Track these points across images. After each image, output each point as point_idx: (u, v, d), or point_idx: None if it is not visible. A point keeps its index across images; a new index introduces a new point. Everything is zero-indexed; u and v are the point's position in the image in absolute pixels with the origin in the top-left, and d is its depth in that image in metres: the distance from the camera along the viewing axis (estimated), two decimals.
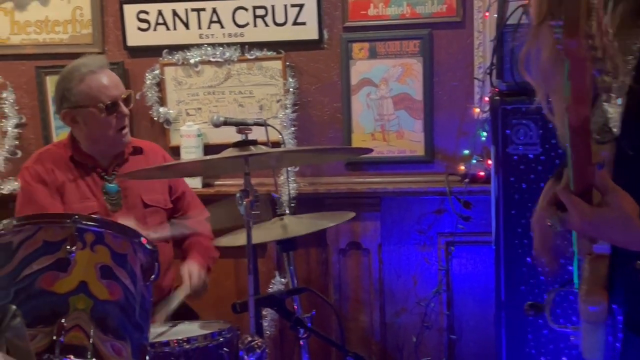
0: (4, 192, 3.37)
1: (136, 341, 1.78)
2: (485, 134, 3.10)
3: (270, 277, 3.33)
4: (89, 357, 1.66)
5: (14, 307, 1.33)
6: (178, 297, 2.55)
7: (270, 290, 3.27)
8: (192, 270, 2.63)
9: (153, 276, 1.88)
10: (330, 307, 2.60)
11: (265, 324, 3.26)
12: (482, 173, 3.11)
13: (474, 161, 3.14)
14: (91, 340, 1.68)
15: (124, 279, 1.79)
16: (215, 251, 2.81)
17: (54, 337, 1.63)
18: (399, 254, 3.37)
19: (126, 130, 2.62)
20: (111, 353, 1.70)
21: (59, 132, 3.43)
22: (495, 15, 2.79)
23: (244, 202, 1.91)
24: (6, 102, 3.44)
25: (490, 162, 2.86)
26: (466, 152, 3.22)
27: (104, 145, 2.62)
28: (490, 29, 3.05)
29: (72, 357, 1.63)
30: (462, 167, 3.19)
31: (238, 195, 1.94)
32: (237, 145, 2.02)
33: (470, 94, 3.23)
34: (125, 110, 2.57)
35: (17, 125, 3.46)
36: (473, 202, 3.13)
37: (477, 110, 3.15)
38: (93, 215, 1.91)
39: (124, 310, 1.77)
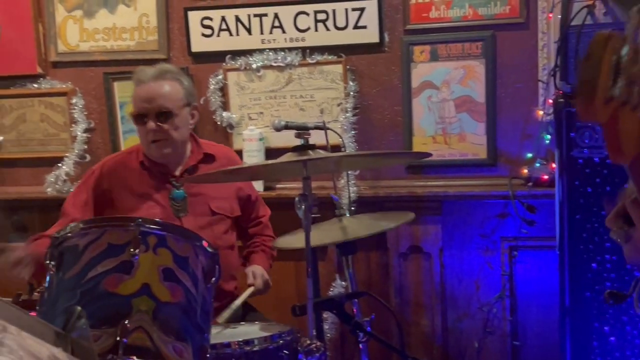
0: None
1: (197, 342, 1.81)
2: (549, 136, 3.04)
3: (331, 280, 3.34)
4: (151, 357, 1.69)
5: (79, 308, 1.37)
6: (242, 297, 2.59)
7: (330, 293, 3.28)
8: (256, 272, 2.70)
9: (214, 279, 1.90)
10: (389, 311, 2.58)
11: (326, 326, 3.26)
12: (545, 176, 3.05)
13: (538, 164, 3.09)
14: (153, 341, 1.72)
15: (185, 282, 1.82)
16: (274, 250, 2.89)
17: (118, 338, 1.67)
18: (461, 258, 3.33)
19: (161, 143, 2.60)
20: (172, 354, 1.73)
21: (127, 137, 3.52)
22: (559, 16, 2.74)
23: (303, 206, 1.92)
24: (75, 107, 3.55)
25: (554, 165, 2.80)
26: (529, 155, 3.17)
27: (148, 153, 2.67)
28: (555, 30, 3.00)
29: (134, 357, 1.66)
30: (525, 171, 3.13)
31: (297, 199, 1.95)
32: (295, 149, 2.04)
33: (534, 96, 3.18)
34: (150, 125, 2.56)
35: (86, 130, 3.57)
36: (537, 206, 3.07)
37: (541, 112, 3.09)
38: (156, 219, 1.94)
39: (185, 312, 1.80)
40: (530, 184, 3.08)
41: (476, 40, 3.24)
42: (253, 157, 3.37)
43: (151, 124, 2.56)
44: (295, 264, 3.44)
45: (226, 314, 2.49)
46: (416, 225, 3.26)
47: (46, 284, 1.86)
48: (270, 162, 2.10)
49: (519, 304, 3.26)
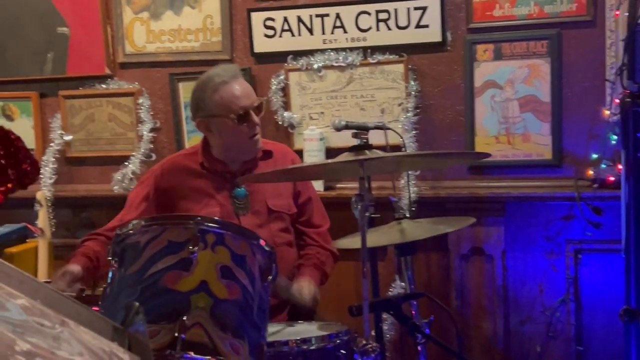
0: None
1: (254, 340, 1.83)
2: (615, 137, 2.96)
3: (390, 280, 3.32)
4: (208, 354, 1.72)
5: (137, 303, 1.40)
6: (291, 294, 2.59)
7: (389, 294, 3.27)
8: (302, 287, 2.60)
9: (270, 277, 1.92)
10: (448, 313, 2.56)
11: (385, 327, 3.25)
12: (612, 178, 2.97)
13: (604, 166, 3.01)
14: (211, 338, 1.74)
15: (242, 279, 1.84)
16: (332, 261, 2.82)
17: (176, 334, 1.70)
18: (524, 261, 3.27)
19: (258, 136, 2.67)
20: (229, 351, 1.75)
21: (191, 136, 3.59)
22: (627, 14, 2.66)
23: (359, 206, 1.92)
24: (142, 107, 3.63)
25: (620, 166, 2.72)
26: (595, 156, 3.09)
27: (236, 152, 2.69)
28: (622, 28, 2.91)
29: (192, 353, 1.70)
30: (591, 172, 3.05)
31: (353, 199, 1.95)
32: (352, 149, 2.04)
33: (601, 96, 3.10)
34: (256, 119, 2.62)
35: (152, 130, 3.64)
36: (603, 208, 2.99)
37: (608, 112, 3.01)
38: (214, 217, 1.97)
39: (242, 309, 1.83)
40: (596, 185, 3.01)
41: (541, 39, 3.17)
42: (313, 157, 3.39)
43: (256, 119, 2.62)
44: (355, 264, 3.43)
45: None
46: (478, 227, 3.22)
47: (109, 280, 1.91)
48: (326, 161, 2.09)
49: (584, 308, 3.18)
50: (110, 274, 1.91)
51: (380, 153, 2.10)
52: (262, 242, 1.95)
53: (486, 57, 3.25)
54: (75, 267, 2.45)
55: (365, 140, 2.20)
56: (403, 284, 3.27)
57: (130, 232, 1.91)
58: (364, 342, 1.91)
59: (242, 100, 2.61)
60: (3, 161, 1.08)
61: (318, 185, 3.37)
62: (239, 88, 2.64)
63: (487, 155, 2.43)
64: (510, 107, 3.24)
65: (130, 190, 3.54)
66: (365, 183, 1.98)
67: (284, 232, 2.74)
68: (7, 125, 3.73)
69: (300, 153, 3.42)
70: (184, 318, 1.73)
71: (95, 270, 2.53)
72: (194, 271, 1.80)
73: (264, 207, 2.71)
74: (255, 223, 2.61)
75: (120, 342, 1.32)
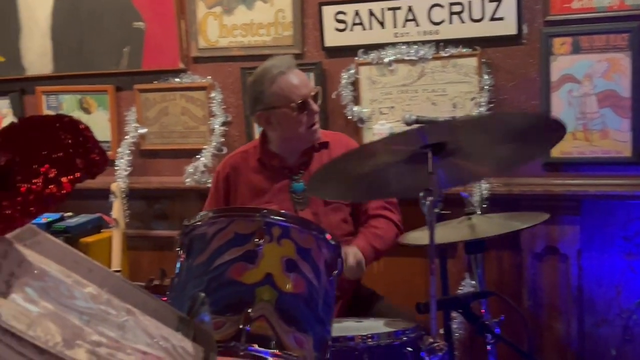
0: (210, 185, 3.60)
1: (318, 335, 1.82)
2: None
3: (460, 278, 3.26)
4: (272, 347, 1.72)
5: (202, 294, 1.41)
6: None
7: (459, 292, 3.21)
8: (348, 252, 2.53)
9: (336, 271, 1.91)
10: (519, 313, 2.49)
11: (454, 325, 3.20)
12: None
13: None
14: (275, 331, 1.74)
15: (307, 273, 1.84)
16: (392, 235, 2.74)
17: (241, 326, 1.71)
18: (601, 261, 3.16)
19: (316, 126, 2.68)
20: (293, 345, 1.75)
21: (261, 130, 3.60)
22: None
23: (427, 202, 1.89)
24: (214, 101, 3.67)
25: None
26: None
27: (295, 143, 2.70)
28: None
29: (256, 346, 1.70)
30: None
31: (421, 194, 1.92)
32: None
33: None
34: (315, 107, 2.63)
35: (224, 124, 3.68)
36: None
37: None
38: (280, 210, 1.98)
39: (307, 303, 1.82)
40: None
41: (622, 32, 3.05)
42: None
43: (315, 107, 2.63)
44: (424, 260, 3.38)
45: None
46: (552, 225, 3.12)
47: (176, 271, 1.94)
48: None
49: None
50: (178, 265, 1.94)
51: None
52: (328, 236, 1.94)
53: (563, 50, 3.15)
54: None
55: None
56: (473, 282, 3.21)
57: (198, 223, 1.93)
58: (431, 340, 1.87)
59: (301, 89, 2.62)
60: (71, 150, 1.09)
61: None
62: (296, 77, 2.65)
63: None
64: (588, 102, 3.13)
65: (201, 183, 3.62)
66: (434, 178, 1.93)
67: (343, 224, 2.73)
68: (85, 118, 3.84)
69: None
70: (249, 310, 1.73)
71: None
72: (260, 264, 1.80)
73: (321, 200, 2.69)
74: (314, 215, 2.61)
75: (185, 332, 1.33)
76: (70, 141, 1.10)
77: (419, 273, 3.39)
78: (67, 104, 3.93)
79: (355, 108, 3.44)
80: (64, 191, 1.08)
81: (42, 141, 1.09)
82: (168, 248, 3.82)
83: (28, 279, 1.07)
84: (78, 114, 3.89)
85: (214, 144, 3.67)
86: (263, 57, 3.53)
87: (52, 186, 1.07)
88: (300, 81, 2.64)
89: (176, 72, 3.72)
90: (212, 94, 3.67)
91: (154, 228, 3.87)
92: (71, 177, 1.08)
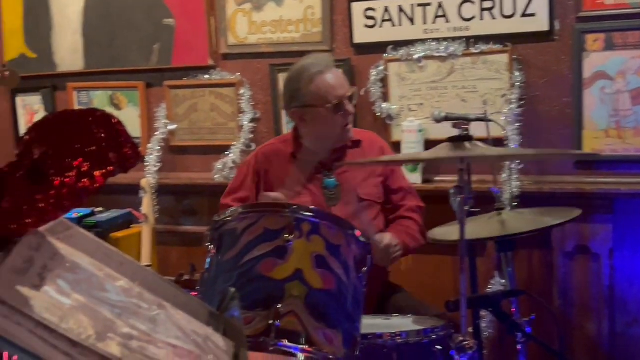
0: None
1: (347, 331, 1.82)
2: None
3: (489, 277, 3.23)
4: (302, 342, 1.72)
5: (233, 289, 1.41)
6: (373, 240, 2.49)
7: (488, 290, 3.18)
8: (384, 236, 2.56)
9: (365, 268, 1.90)
10: (550, 312, 2.46)
11: (483, 324, 3.17)
12: None
13: None
14: (304, 327, 1.74)
15: (337, 269, 1.83)
16: (420, 237, 2.74)
17: (270, 321, 1.71)
18: (633, 260, 3.10)
19: (350, 126, 2.68)
20: (323, 341, 1.75)
21: (290, 127, 3.58)
22: None
23: (457, 199, 1.87)
24: (243, 98, 3.68)
25: None
26: None
27: (327, 141, 2.70)
28: None
29: (286, 341, 1.70)
30: None
31: (451, 191, 1.90)
32: (451, 140, 1.98)
33: None
34: (351, 109, 2.63)
35: (252, 120, 3.68)
36: None
37: None
38: (310, 206, 1.97)
39: (336, 299, 1.82)
40: None
41: None
42: (412, 149, 3.34)
43: (351, 108, 2.62)
44: (452, 258, 3.36)
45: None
46: (584, 224, 3.08)
47: (206, 265, 1.94)
48: (424, 154, 2.04)
49: None
50: (208, 260, 1.94)
51: (482, 146, 2.03)
52: (357, 233, 1.93)
53: (596, 47, 3.10)
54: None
55: (465, 131, 2.13)
56: (503, 280, 3.18)
57: (228, 218, 1.93)
58: (461, 338, 1.86)
59: (338, 90, 2.61)
60: (104, 144, 1.09)
61: (416, 178, 3.32)
62: (334, 77, 2.64)
63: (595, 155, 2.23)
64: (621, 99, 3.08)
65: (230, 180, 3.62)
66: (464, 175, 1.92)
67: (374, 221, 2.72)
68: (115, 114, 3.83)
69: (398, 145, 3.38)
70: (279, 306, 1.73)
71: None
72: (289, 259, 1.80)
73: (354, 196, 2.69)
74: (346, 212, 2.60)
75: (216, 327, 1.33)
76: (103, 135, 1.11)
77: (447, 270, 3.37)
78: (98, 100, 3.96)
79: (384, 105, 3.42)
80: (97, 185, 1.08)
81: (75, 135, 1.10)
82: (196, 244, 3.83)
83: (61, 272, 1.08)
84: (108, 110, 3.92)
85: (243, 140, 3.68)
86: (292, 54, 3.57)
87: (85, 180, 1.07)
88: (338, 82, 2.63)
89: (205, 69, 3.74)
90: (241, 91, 3.68)
91: (182, 224, 3.89)
92: (104, 171, 1.08)
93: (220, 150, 3.71)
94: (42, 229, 1.12)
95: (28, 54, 4.04)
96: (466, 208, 1.88)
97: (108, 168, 1.09)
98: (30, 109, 4.10)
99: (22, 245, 1.06)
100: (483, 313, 3.13)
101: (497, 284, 3.19)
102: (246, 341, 1.26)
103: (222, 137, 3.74)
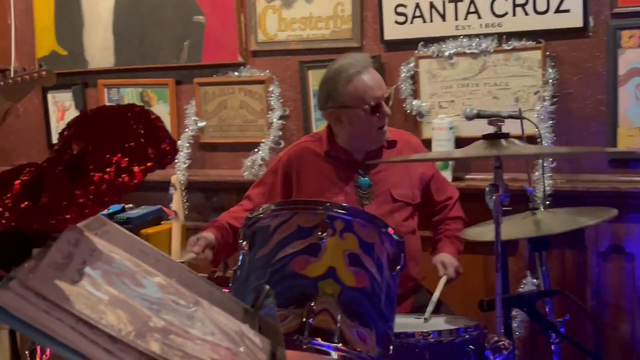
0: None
1: (381, 330, 1.80)
2: None
3: (521, 276, 3.19)
4: (335, 341, 1.71)
5: (267, 286, 1.40)
6: (438, 289, 2.52)
7: (520, 290, 3.14)
8: (445, 261, 2.62)
9: (399, 267, 1.88)
10: (586, 313, 2.42)
11: (514, 324, 3.13)
12: None
13: None
14: (338, 325, 1.73)
15: (370, 268, 1.82)
16: (462, 228, 2.79)
17: (304, 319, 1.70)
18: None
19: (386, 127, 2.66)
20: (356, 339, 1.73)
21: (319, 124, 3.59)
22: None
23: (493, 197, 1.84)
24: (272, 95, 3.67)
25: None
26: None
27: (363, 142, 2.68)
28: None
29: (319, 339, 1.69)
30: None
31: (487, 189, 1.88)
32: (486, 137, 1.96)
33: None
34: (387, 110, 2.60)
35: (281, 117, 3.68)
36: None
37: None
38: (343, 204, 1.96)
39: (369, 298, 1.80)
40: None
41: None
42: (442, 146, 3.30)
43: (387, 109, 2.61)
44: (483, 257, 3.32)
45: (430, 308, 2.41)
46: (619, 224, 3.03)
47: (239, 263, 1.93)
48: (451, 153, 2.02)
49: None
50: (240, 257, 1.94)
51: (518, 144, 2.00)
52: (390, 231, 1.91)
53: (632, 43, 3.05)
54: (209, 235, 2.52)
55: (500, 128, 2.10)
56: (535, 280, 3.14)
57: (261, 215, 1.93)
58: (496, 338, 1.83)
59: (375, 91, 2.59)
60: (142, 140, 1.09)
61: (446, 175, 3.29)
62: (372, 78, 2.61)
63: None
64: None
65: (259, 177, 3.62)
66: (500, 172, 1.89)
67: (407, 222, 2.71)
68: None
69: (428, 142, 3.35)
70: (312, 304, 1.72)
71: (227, 244, 2.58)
72: (322, 257, 1.79)
73: (388, 197, 2.68)
74: (379, 213, 2.57)
75: (251, 324, 1.33)
76: (142, 131, 1.10)
77: (476, 270, 3.34)
78: (128, 97, 3.98)
79: (415, 102, 3.39)
80: (136, 181, 1.08)
81: (114, 130, 1.09)
82: None
83: (99, 268, 1.07)
84: None
85: (272, 137, 3.67)
86: (321, 51, 3.56)
87: (124, 175, 1.07)
88: (375, 82, 2.60)
89: (235, 66, 3.74)
90: (271, 88, 3.67)
91: (211, 220, 3.89)
92: (143, 167, 1.08)
93: (250, 147, 3.70)
94: (79, 224, 1.12)
95: (59, 51, 4.08)
96: (502, 206, 1.84)
97: (147, 164, 1.09)
98: (62, 106, 4.13)
99: (61, 240, 1.06)
100: (514, 313, 3.10)
101: (529, 284, 3.15)
102: (283, 339, 1.25)
103: (252, 134, 3.74)
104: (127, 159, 1.08)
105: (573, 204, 2.97)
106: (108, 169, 1.06)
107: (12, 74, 3.14)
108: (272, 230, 1.87)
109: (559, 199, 3.06)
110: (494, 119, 2.02)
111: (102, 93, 4.02)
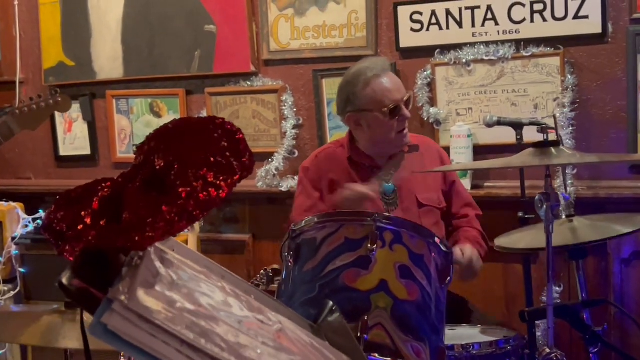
0: (283, 189, 3.57)
1: (434, 343, 1.77)
2: None
3: (543, 284, 3.16)
4: (391, 356, 1.67)
5: (330, 302, 1.36)
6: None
7: (542, 299, 3.12)
8: (464, 249, 2.53)
9: (449, 278, 1.85)
10: (633, 321, 2.39)
11: (538, 333, 3.10)
12: None
13: None
14: (393, 340, 1.69)
15: (421, 279, 1.78)
16: (485, 245, 2.71)
17: (359, 334, 1.66)
18: None
19: (406, 131, 2.63)
20: (412, 354, 1.70)
21: (333, 133, 3.56)
22: None
23: (544, 206, 1.82)
24: (285, 104, 3.63)
25: None
26: None
27: (383, 147, 2.65)
28: None
29: (376, 355, 1.65)
30: None
31: (537, 198, 1.85)
32: (537, 146, 1.93)
33: None
34: (407, 113, 2.58)
35: (295, 127, 3.63)
36: None
37: None
38: (389, 214, 1.92)
39: (421, 311, 1.77)
40: None
41: None
42: (461, 154, 3.28)
43: (407, 112, 2.58)
44: (504, 266, 3.31)
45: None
46: None
47: (283, 276, 1.89)
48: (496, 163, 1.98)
49: None
50: (284, 271, 1.89)
51: (566, 150, 1.98)
52: (437, 240, 1.88)
53: None
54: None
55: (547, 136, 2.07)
56: (558, 288, 3.12)
57: (305, 228, 1.88)
58: (548, 350, 1.80)
59: (394, 94, 2.57)
60: (227, 153, 1.05)
61: (465, 183, 3.26)
62: (391, 81, 2.60)
63: None
64: None
65: (273, 187, 3.58)
66: (550, 181, 1.86)
67: (435, 227, 2.66)
68: (155, 122, 3.84)
69: (446, 150, 3.32)
70: (365, 318, 1.68)
71: None
72: (373, 270, 1.75)
73: (413, 202, 2.65)
74: (406, 218, 2.54)
75: (322, 339, 1.29)
76: (225, 144, 1.06)
77: (497, 280, 3.32)
78: (138, 108, 3.93)
79: (432, 110, 3.37)
80: (223, 194, 1.03)
81: (199, 144, 1.05)
82: (238, 251, 3.79)
83: (187, 286, 1.03)
84: (149, 118, 3.89)
85: (286, 147, 3.62)
86: (335, 59, 3.52)
87: (211, 189, 1.03)
88: (394, 85, 2.58)
89: (247, 75, 3.69)
90: (284, 97, 3.63)
91: (223, 232, 3.84)
92: (230, 180, 1.04)
93: (263, 157, 3.65)
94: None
95: (66, 62, 4.01)
96: (553, 215, 1.82)
97: (234, 177, 1.04)
98: (69, 117, 4.06)
99: (148, 258, 1.02)
100: (538, 322, 3.07)
101: (552, 292, 3.12)
102: (362, 354, 1.21)
103: (265, 144, 3.70)
104: (212, 172, 1.03)
105: (595, 211, 2.96)
106: (195, 184, 1.02)
107: (18, 102, 3.09)
108: (318, 242, 1.83)
109: (580, 206, 3.02)
110: (544, 127, 1.99)
111: (111, 104, 3.96)
